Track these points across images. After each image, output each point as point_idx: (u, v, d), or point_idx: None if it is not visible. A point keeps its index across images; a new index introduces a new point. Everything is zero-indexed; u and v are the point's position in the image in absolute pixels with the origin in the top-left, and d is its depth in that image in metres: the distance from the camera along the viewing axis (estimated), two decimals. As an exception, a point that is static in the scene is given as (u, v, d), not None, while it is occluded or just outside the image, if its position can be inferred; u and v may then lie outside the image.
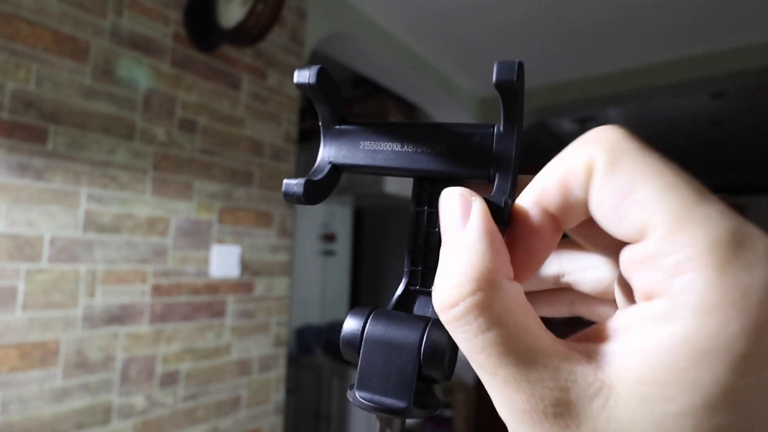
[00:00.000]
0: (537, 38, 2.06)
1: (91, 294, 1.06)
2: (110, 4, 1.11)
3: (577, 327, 0.15)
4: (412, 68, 2.20)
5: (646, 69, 2.25)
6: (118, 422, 1.10)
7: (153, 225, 1.18)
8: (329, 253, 3.16)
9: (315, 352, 2.73)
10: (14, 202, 0.95)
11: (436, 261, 0.15)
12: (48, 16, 1.00)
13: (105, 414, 1.08)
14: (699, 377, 0.10)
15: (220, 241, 1.33)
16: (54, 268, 1.01)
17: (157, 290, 1.19)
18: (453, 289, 0.13)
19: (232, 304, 1.37)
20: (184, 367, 1.24)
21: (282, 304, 1.52)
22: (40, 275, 0.99)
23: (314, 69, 0.18)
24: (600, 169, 0.13)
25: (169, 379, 1.21)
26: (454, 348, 0.16)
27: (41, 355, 0.98)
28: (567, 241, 0.19)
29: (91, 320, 1.06)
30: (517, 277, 0.15)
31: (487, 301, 0.13)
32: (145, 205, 1.17)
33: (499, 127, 0.17)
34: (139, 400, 1.15)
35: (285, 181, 0.18)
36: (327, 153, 0.20)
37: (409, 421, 0.18)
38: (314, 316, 3.02)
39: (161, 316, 1.19)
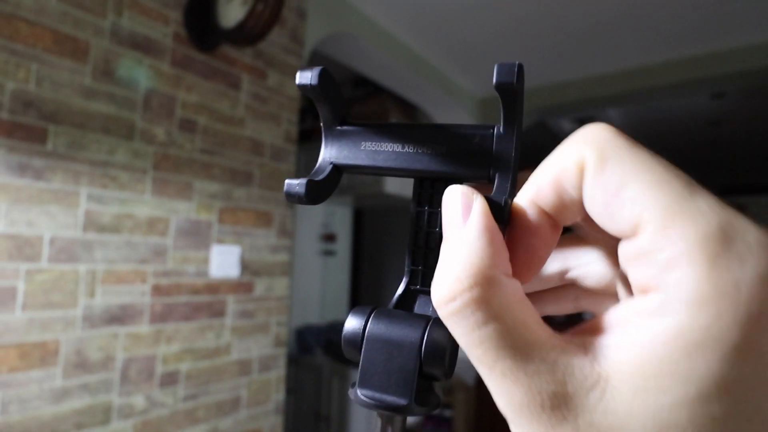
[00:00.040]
0: (537, 38, 2.06)
1: (91, 294, 1.06)
2: (110, 4, 1.11)
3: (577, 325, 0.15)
4: (412, 68, 2.20)
5: (645, 69, 2.25)
6: (118, 422, 1.10)
7: (153, 225, 1.18)
8: (329, 253, 3.16)
9: (315, 352, 2.73)
10: (14, 202, 0.95)
11: (437, 261, 0.15)
12: (48, 16, 1.01)
13: (105, 414, 1.08)
14: (693, 369, 0.10)
15: (220, 241, 1.33)
16: (54, 268, 1.01)
17: (157, 290, 1.19)
18: (451, 284, 0.13)
19: (232, 304, 1.37)
20: (184, 367, 1.24)
21: (282, 304, 1.52)
22: (40, 275, 0.99)
23: (316, 70, 0.18)
24: (591, 168, 0.13)
25: (169, 379, 1.21)
26: (455, 346, 0.16)
27: (41, 355, 0.98)
28: (570, 237, 0.19)
29: (90, 320, 1.06)
30: (519, 276, 0.15)
31: (485, 296, 0.13)
32: (145, 205, 1.17)
33: (499, 128, 0.17)
34: (139, 400, 1.15)
35: (287, 181, 0.18)
36: (328, 153, 0.20)
37: (409, 420, 0.18)
38: (314, 316, 3.02)
39: (161, 316, 1.19)
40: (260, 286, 1.45)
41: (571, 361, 0.12)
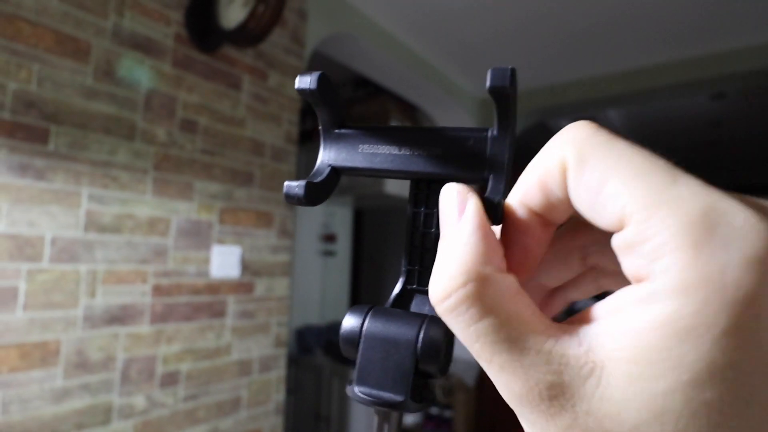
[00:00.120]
0: (537, 39, 2.06)
1: (92, 294, 1.07)
2: (112, 4, 1.11)
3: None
4: (413, 69, 2.20)
5: (646, 70, 2.25)
6: (118, 422, 1.11)
7: (154, 225, 1.18)
8: (329, 254, 3.17)
9: (315, 353, 2.73)
10: (15, 202, 0.95)
11: (433, 261, 0.15)
12: (49, 16, 1.01)
13: (105, 414, 1.08)
14: (684, 355, 0.10)
15: (221, 241, 1.34)
16: (55, 268, 1.01)
17: (158, 290, 1.19)
18: (446, 281, 0.14)
19: (232, 304, 1.37)
20: (185, 367, 1.24)
21: (282, 304, 1.52)
22: (41, 275, 0.99)
23: (315, 75, 0.19)
24: (572, 168, 0.13)
25: (170, 380, 1.21)
26: (450, 344, 0.17)
27: (42, 355, 0.98)
28: (584, 221, 0.19)
29: (91, 320, 1.06)
30: (516, 273, 0.15)
31: (478, 292, 0.13)
32: (145, 205, 1.17)
33: (493, 131, 0.17)
34: (139, 401, 1.15)
35: (286, 183, 0.19)
36: (327, 156, 0.20)
37: (409, 420, 0.18)
38: (314, 317, 3.02)
39: (162, 317, 1.19)
40: (260, 287, 1.45)
41: (566, 351, 0.12)
